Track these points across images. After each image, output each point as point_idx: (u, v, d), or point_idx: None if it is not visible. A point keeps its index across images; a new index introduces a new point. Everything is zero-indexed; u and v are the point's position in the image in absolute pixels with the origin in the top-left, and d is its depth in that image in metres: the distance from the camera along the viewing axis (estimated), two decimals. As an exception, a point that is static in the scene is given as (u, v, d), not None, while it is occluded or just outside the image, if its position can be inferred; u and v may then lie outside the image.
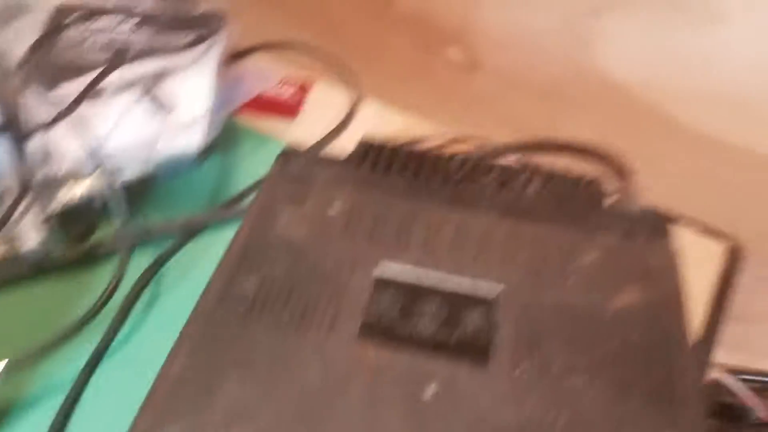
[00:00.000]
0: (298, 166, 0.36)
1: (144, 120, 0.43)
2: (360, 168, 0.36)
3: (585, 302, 0.28)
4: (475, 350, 0.26)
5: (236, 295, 0.29)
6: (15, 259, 0.42)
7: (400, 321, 0.28)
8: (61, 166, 0.42)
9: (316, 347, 0.26)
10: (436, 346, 0.27)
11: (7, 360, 0.34)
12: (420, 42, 0.71)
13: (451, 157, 0.37)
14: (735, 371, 0.65)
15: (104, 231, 0.44)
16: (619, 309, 0.28)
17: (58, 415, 0.36)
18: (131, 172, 0.42)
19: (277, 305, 0.28)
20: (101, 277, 0.42)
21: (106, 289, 0.39)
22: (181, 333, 0.27)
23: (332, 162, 0.37)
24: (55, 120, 0.39)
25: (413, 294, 0.28)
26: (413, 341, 0.27)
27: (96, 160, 0.41)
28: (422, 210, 0.32)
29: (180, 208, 0.46)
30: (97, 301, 0.39)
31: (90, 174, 0.42)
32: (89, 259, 0.43)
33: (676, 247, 0.31)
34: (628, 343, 0.27)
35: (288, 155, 0.37)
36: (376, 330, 0.27)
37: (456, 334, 0.27)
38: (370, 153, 0.37)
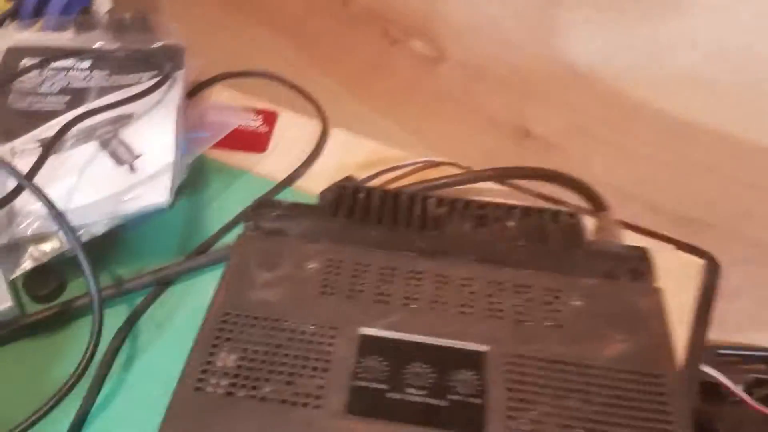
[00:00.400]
0: (271, 220, 0.35)
1: (107, 172, 0.42)
2: (335, 218, 0.35)
3: (574, 353, 0.28)
4: (468, 417, 0.26)
5: (218, 371, 0.28)
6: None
7: (387, 391, 0.27)
8: (25, 226, 0.40)
9: (304, 426, 0.26)
10: (428, 416, 0.26)
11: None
12: (382, 37, 0.70)
13: (427, 197, 0.37)
14: (713, 346, 0.66)
15: (75, 289, 0.43)
16: (608, 358, 0.28)
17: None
18: (97, 227, 0.41)
19: (261, 380, 0.28)
20: (76, 336, 0.41)
21: (84, 354, 0.38)
22: (164, 419, 0.26)
23: (306, 212, 0.36)
24: (17, 190, 0.37)
25: (399, 360, 0.28)
26: (403, 412, 0.26)
27: (60, 218, 0.39)
28: (402, 262, 0.32)
29: (153, 254, 0.44)
30: (75, 369, 0.37)
31: (55, 232, 0.41)
32: (61, 318, 0.42)
33: (658, 287, 0.31)
34: (620, 393, 0.27)
35: (260, 207, 0.36)
36: (364, 402, 0.27)
37: (447, 400, 0.27)
38: (345, 198, 0.36)
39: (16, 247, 0.41)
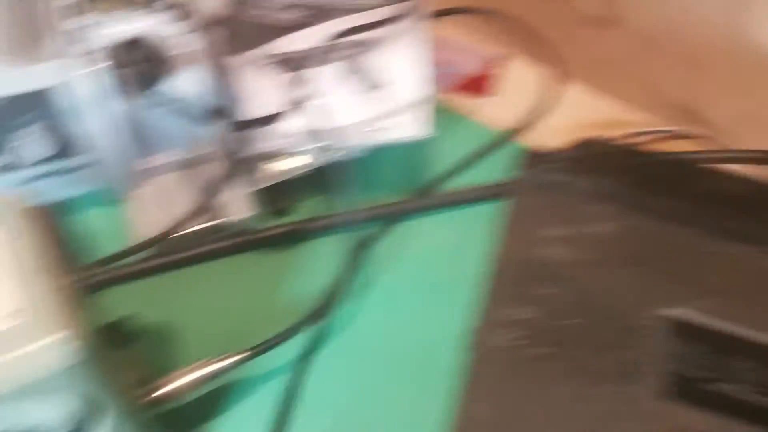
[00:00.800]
0: (548, 174, 0.33)
1: (357, 96, 0.41)
2: (618, 180, 0.33)
3: None
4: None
5: (515, 326, 0.26)
6: (219, 230, 0.41)
7: (710, 381, 0.25)
8: (273, 139, 0.40)
9: (621, 401, 0.24)
10: (759, 416, 0.24)
11: (246, 354, 0.33)
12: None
13: (716, 173, 0.34)
14: None
15: (302, 210, 0.43)
16: None
17: (280, 407, 0.35)
18: (343, 152, 0.40)
19: (564, 344, 0.26)
20: (303, 256, 0.41)
21: (341, 275, 0.38)
22: (470, 373, 0.25)
23: (583, 169, 0.33)
24: (288, 108, 0.37)
25: (722, 349, 0.26)
26: (735, 408, 0.24)
27: (309, 137, 0.39)
28: (707, 242, 0.29)
29: (375, 189, 0.43)
30: (332, 289, 0.38)
31: (301, 150, 0.40)
32: (289, 237, 0.42)
33: None
34: None
35: (534, 158, 0.34)
36: (683, 389, 0.25)
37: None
38: (609, 158, 0.34)
39: (261, 160, 0.41)
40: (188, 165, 0.42)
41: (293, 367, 0.37)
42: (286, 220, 0.42)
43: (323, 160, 0.39)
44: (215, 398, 0.35)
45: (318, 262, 0.40)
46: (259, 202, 0.41)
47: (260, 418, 0.35)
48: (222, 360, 0.33)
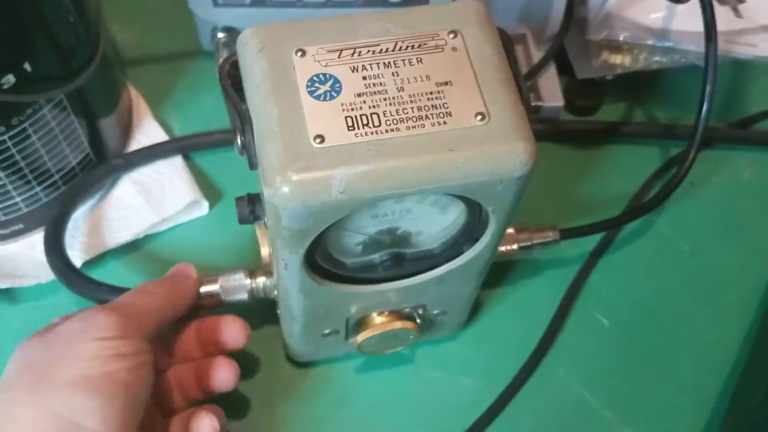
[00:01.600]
0: None
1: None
2: None
3: None
4: None
5: None
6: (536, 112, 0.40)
7: None
8: (614, 30, 0.38)
9: None
10: None
11: (556, 234, 0.33)
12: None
13: None
14: None
15: (611, 112, 0.41)
16: None
17: (565, 293, 0.36)
18: (686, 59, 0.38)
19: None
20: (608, 158, 0.40)
21: (644, 186, 0.38)
22: None
23: None
24: None
25: None
26: None
27: (658, 35, 0.37)
28: None
29: (684, 109, 0.41)
30: (635, 197, 0.37)
31: (640, 46, 0.38)
32: (597, 135, 0.40)
33: None
34: None
35: None
36: None
37: None
38: None
39: (588, 48, 0.40)
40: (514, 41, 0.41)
41: (584, 260, 0.37)
42: (593, 118, 0.41)
43: (660, 63, 0.38)
44: (510, 267, 0.36)
45: (622, 168, 0.39)
46: (573, 93, 0.40)
47: (546, 297, 0.36)
48: (539, 231, 0.33)
